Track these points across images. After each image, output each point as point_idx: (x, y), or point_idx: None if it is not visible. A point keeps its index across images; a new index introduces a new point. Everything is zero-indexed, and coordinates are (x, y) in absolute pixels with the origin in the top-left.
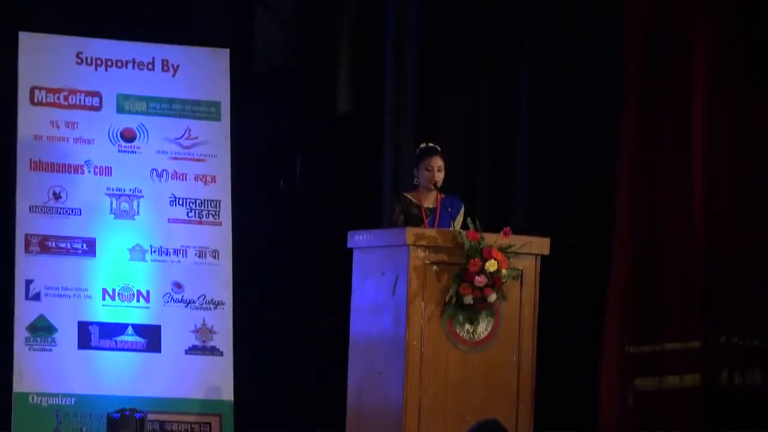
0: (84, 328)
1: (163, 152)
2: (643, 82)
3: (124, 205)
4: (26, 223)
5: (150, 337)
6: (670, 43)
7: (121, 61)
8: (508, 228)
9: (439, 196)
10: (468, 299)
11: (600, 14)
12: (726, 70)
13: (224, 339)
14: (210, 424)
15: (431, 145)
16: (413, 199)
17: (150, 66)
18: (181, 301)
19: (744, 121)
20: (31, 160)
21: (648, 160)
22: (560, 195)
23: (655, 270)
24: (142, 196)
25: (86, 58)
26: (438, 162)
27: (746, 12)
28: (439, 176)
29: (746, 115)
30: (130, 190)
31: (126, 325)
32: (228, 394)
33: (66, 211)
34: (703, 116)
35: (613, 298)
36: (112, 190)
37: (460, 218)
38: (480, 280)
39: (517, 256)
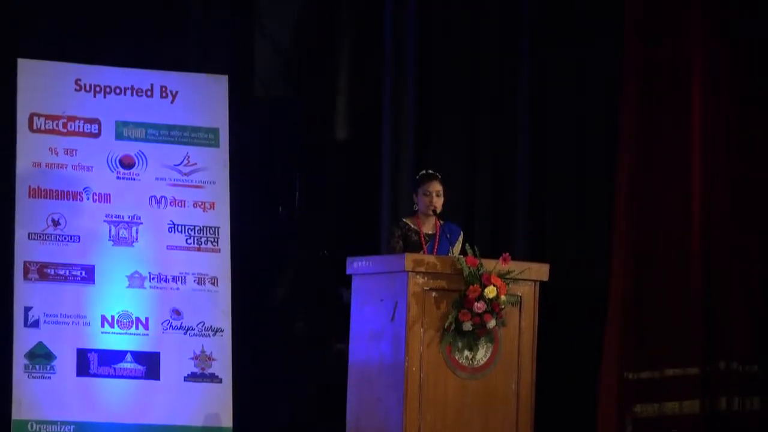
0: (83, 355)
1: (161, 179)
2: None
3: (123, 232)
4: (25, 250)
5: (149, 364)
6: (669, 42)
7: (120, 88)
8: (507, 254)
9: (438, 223)
10: (467, 325)
11: (600, 14)
12: (725, 72)
13: (223, 366)
14: None
15: (430, 171)
16: (412, 225)
17: (148, 92)
18: (180, 328)
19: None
20: (30, 187)
21: (646, 183)
22: (559, 221)
23: (654, 296)
24: (141, 223)
25: (85, 85)
26: (437, 187)
27: (744, 11)
28: (438, 201)
29: (744, 130)
30: (129, 217)
31: (125, 352)
32: (227, 422)
33: (65, 238)
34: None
35: (612, 325)
36: (111, 216)
37: (458, 245)
38: (479, 307)
39: (516, 283)
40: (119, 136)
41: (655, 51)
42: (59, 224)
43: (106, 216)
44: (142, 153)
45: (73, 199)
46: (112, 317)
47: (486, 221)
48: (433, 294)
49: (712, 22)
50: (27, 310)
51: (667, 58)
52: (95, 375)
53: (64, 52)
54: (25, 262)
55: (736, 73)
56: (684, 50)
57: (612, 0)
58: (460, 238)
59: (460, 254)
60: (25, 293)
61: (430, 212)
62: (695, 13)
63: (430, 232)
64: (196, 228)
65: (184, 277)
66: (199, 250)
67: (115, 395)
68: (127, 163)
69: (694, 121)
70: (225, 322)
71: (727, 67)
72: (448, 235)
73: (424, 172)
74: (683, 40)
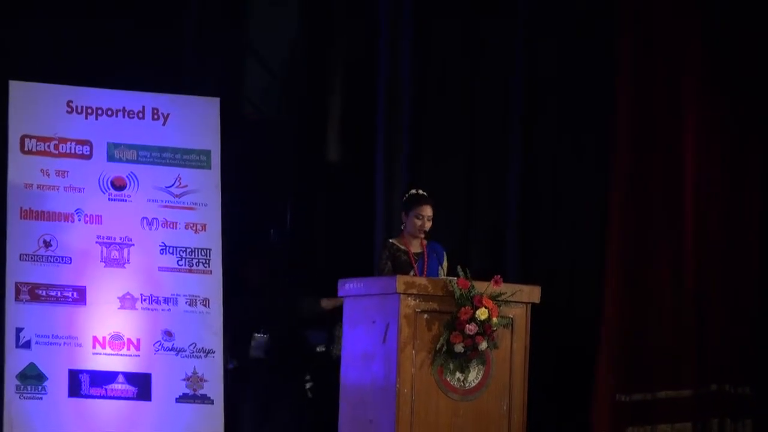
0: (74, 376)
1: (153, 200)
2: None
3: (115, 254)
4: (16, 272)
5: (140, 385)
6: (662, 59)
7: (112, 110)
8: (499, 276)
9: (424, 242)
10: (459, 347)
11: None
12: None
13: (215, 387)
14: None
15: (421, 192)
16: (400, 245)
17: (140, 114)
18: (172, 349)
19: (734, 153)
20: (21, 208)
21: (638, 207)
22: (552, 244)
23: (646, 319)
24: (133, 245)
25: (77, 107)
26: (429, 211)
27: (735, 17)
28: (428, 225)
29: (736, 142)
30: (121, 239)
31: (117, 373)
32: None
33: (56, 260)
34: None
35: (604, 347)
36: (103, 238)
37: (445, 263)
38: (471, 329)
39: (508, 305)
40: (111, 158)
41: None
42: (51, 245)
43: (98, 237)
44: (134, 174)
45: (64, 221)
46: (104, 338)
47: (478, 243)
48: (425, 316)
49: (703, 31)
50: (18, 331)
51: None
52: (87, 396)
53: (56, 74)
54: (16, 283)
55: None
56: (676, 65)
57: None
58: (445, 257)
59: (446, 273)
60: (17, 314)
61: (420, 235)
62: (688, 22)
63: (418, 251)
64: (188, 250)
65: (176, 298)
66: (190, 271)
67: (106, 416)
68: (118, 185)
69: (686, 145)
70: (216, 343)
71: (719, 66)
72: (436, 254)
73: (415, 192)
74: (676, 50)
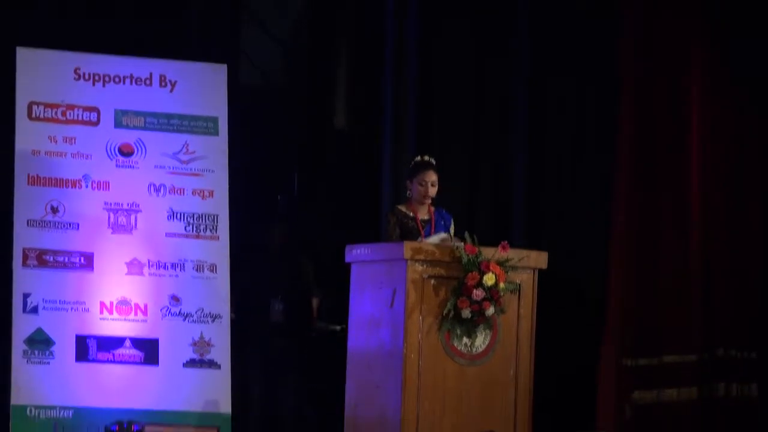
0: (82, 341)
1: (160, 167)
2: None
3: (122, 220)
4: (24, 237)
5: (148, 350)
6: (666, 49)
7: (119, 77)
8: (506, 242)
9: (432, 208)
10: (466, 313)
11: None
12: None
13: (222, 352)
14: None
15: (426, 159)
16: (407, 212)
17: (147, 81)
18: (179, 314)
19: (741, 130)
20: (29, 174)
21: (645, 171)
22: (558, 210)
23: (652, 284)
24: (140, 211)
25: (84, 74)
26: (432, 177)
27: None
28: (433, 191)
29: (743, 124)
30: (128, 205)
31: (124, 339)
32: (226, 407)
33: (64, 226)
34: (698, 127)
35: (610, 312)
36: (110, 204)
37: (452, 229)
38: (478, 294)
39: (515, 270)
40: (118, 125)
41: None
42: (58, 211)
43: (105, 203)
44: (141, 141)
45: (72, 187)
46: (111, 303)
47: (485, 209)
48: (432, 281)
49: (706, 25)
50: (26, 296)
51: (663, 66)
52: (94, 360)
53: (64, 40)
54: (24, 249)
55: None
56: (681, 58)
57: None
58: (452, 223)
59: (452, 238)
60: (24, 280)
61: (425, 201)
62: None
63: (426, 218)
64: (195, 216)
65: (183, 264)
66: (197, 237)
67: (113, 381)
68: (126, 151)
69: (690, 137)
70: (224, 308)
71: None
72: (443, 220)
73: (419, 159)
74: (679, 46)
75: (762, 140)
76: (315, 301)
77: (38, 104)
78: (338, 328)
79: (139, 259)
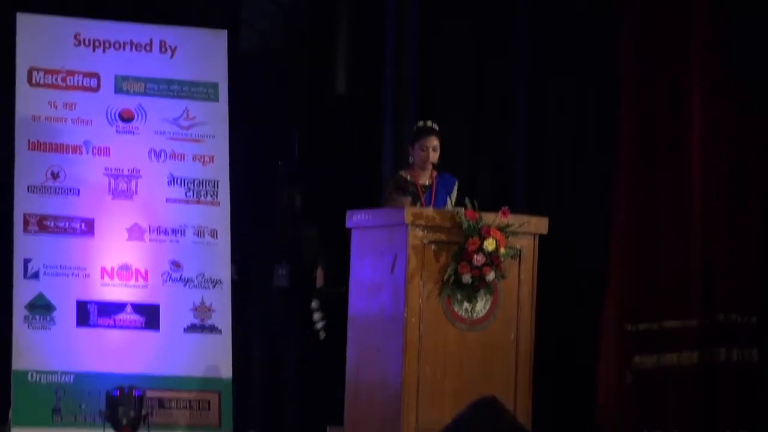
0: (83, 306)
1: (161, 133)
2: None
3: (123, 185)
4: (25, 203)
5: (149, 315)
6: (668, 36)
7: (119, 43)
8: (507, 207)
9: (434, 174)
10: (466, 278)
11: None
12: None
13: (223, 317)
14: (209, 401)
15: (428, 124)
16: (408, 177)
17: (148, 47)
18: (180, 279)
19: (741, 129)
20: (29, 140)
21: (645, 137)
22: (558, 174)
23: (653, 248)
24: (141, 176)
25: (84, 40)
26: (433, 142)
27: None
28: (434, 156)
29: (743, 124)
30: (128, 170)
31: (125, 304)
32: (227, 372)
33: (64, 191)
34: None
35: (611, 277)
36: (111, 170)
37: (455, 194)
38: (478, 259)
39: (516, 236)
40: (118, 90)
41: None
42: (59, 177)
43: (106, 169)
44: (142, 107)
45: (72, 153)
46: (112, 269)
47: (486, 174)
48: (433, 247)
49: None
50: (27, 261)
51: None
52: (95, 326)
53: (64, 6)
54: (24, 215)
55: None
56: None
57: None
58: (456, 187)
59: (455, 204)
60: (25, 245)
61: (427, 166)
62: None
63: (427, 183)
64: (196, 181)
65: (184, 229)
66: (198, 203)
67: (114, 346)
68: (126, 117)
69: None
70: (224, 273)
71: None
72: (445, 186)
73: (421, 124)
74: (681, 36)
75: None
76: (320, 272)
77: (38, 70)
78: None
79: (139, 224)
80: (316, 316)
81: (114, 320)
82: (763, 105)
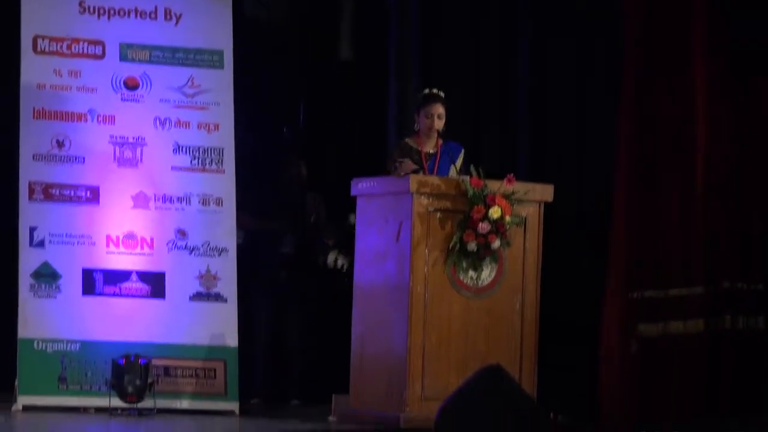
0: (88, 274)
1: (166, 100)
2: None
3: (128, 153)
4: (30, 171)
5: (154, 283)
6: None
7: (124, 10)
8: (512, 175)
9: (440, 142)
10: (472, 246)
11: None
12: None
13: (228, 286)
14: (215, 369)
15: (434, 91)
16: (413, 145)
17: (152, 15)
18: (185, 248)
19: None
20: (34, 108)
21: (648, 110)
22: (562, 142)
23: (658, 216)
24: (146, 144)
25: (89, 7)
26: (439, 110)
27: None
28: (439, 123)
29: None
30: (134, 138)
31: (130, 272)
32: (232, 341)
33: (69, 159)
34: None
35: (615, 244)
36: (116, 138)
37: (460, 161)
38: (483, 227)
39: (521, 203)
40: (123, 58)
41: None
42: (64, 145)
43: (111, 137)
44: (147, 75)
45: (77, 121)
46: (117, 237)
47: (491, 142)
48: (438, 215)
49: None
50: (32, 230)
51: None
52: (101, 294)
53: None
54: (30, 183)
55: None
56: None
57: None
58: (462, 155)
59: (461, 172)
60: (31, 213)
61: (432, 134)
62: None
63: (432, 151)
64: (201, 149)
65: (189, 197)
66: (203, 171)
67: (120, 314)
68: (131, 85)
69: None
70: (230, 242)
71: None
72: (451, 153)
73: (427, 92)
74: None
75: None
76: (330, 242)
77: (43, 38)
78: (343, 264)
79: (145, 192)
80: (331, 257)
81: (120, 288)
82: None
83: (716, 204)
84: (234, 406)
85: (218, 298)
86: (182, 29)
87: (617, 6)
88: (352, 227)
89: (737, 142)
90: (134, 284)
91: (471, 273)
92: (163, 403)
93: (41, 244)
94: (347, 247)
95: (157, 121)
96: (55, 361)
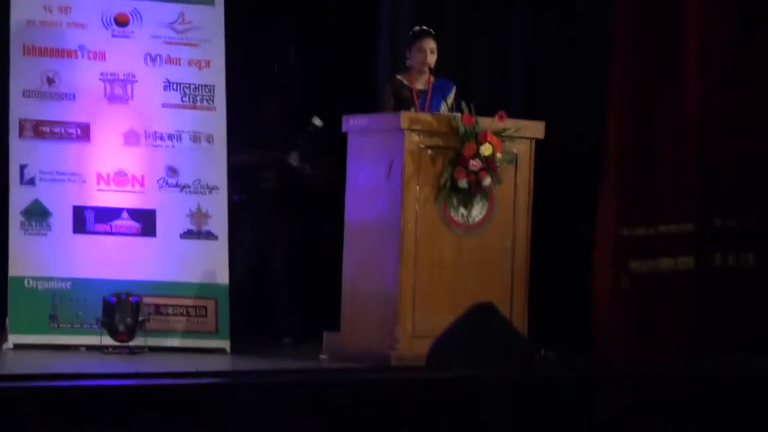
0: (79, 212)
1: (156, 37)
2: None
3: (118, 90)
4: (20, 108)
5: (145, 221)
6: None
7: None
8: (503, 112)
9: (431, 79)
10: (463, 183)
11: None
12: None
13: (219, 223)
14: (206, 307)
15: (425, 27)
16: (405, 81)
17: None
18: (176, 185)
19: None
20: (24, 45)
21: (641, 42)
22: (555, 78)
23: (648, 152)
24: (136, 81)
25: None
26: (431, 44)
27: None
28: (432, 58)
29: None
30: (124, 75)
31: (121, 210)
32: (223, 278)
33: (60, 96)
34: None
35: (606, 181)
36: (106, 74)
37: (451, 98)
38: (475, 164)
39: (512, 140)
40: None
41: None
42: (54, 82)
43: (101, 74)
44: (137, 11)
45: (67, 57)
46: (108, 175)
47: (482, 79)
48: (429, 152)
49: None
50: (22, 167)
51: None
52: (92, 232)
53: None
54: (20, 120)
55: None
56: None
57: None
58: (453, 92)
59: (452, 109)
60: (21, 151)
61: (424, 69)
62: None
63: (423, 88)
64: (192, 86)
65: (180, 135)
66: (194, 108)
67: (111, 252)
68: (121, 21)
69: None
70: (220, 179)
71: None
72: (443, 90)
73: (418, 28)
74: None
75: None
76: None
77: None
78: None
79: (135, 129)
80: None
81: (110, 226)
82: None
83: (709, 141)
84: (225, 344)
85: (209, 235)
86: None
87: None
88: (316, 129)
89: (731, 75)
90: (125, 222)
91: (462, 210)
92: (154, 341)
93: (32, 181)
94: (309, 149)
95: (148, 58)
96: (46, 300)
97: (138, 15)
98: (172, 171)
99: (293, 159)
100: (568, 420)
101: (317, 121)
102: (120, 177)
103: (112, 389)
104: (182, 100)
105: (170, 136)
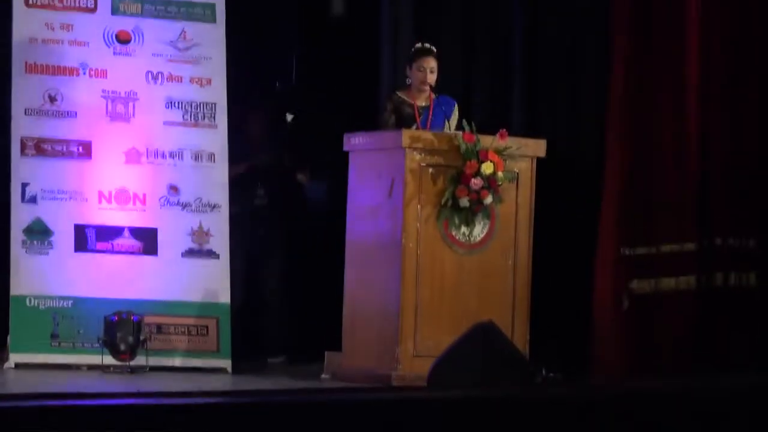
0: (80, 231)
1: (158, 54)
2: None
3: (120, 108)
4: (22, 126)
5: (146, 240)
6: None
7: None
8: (504, 130)
9: (432, 96)
10: (464, 201)
11: None
12: None
13: (220, 242)
14: (207, 326)
15: (426, 45)
16: (406, 99)
17: None
18: (177, 204)
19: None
20: (26, 62)
21: (641, 59)
22: (555, 96)
23: (650, 172)
24: (138, 99)
25: None
26: (431, 63)
27: None
28: (431, 77)
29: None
30: (126, 93)
31: (122, 228)
32: (225, 297)
33: (61, 114)
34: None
35: (608, 200)
36: (108, 92)
37: (454, 117)
38: (476, 183)
39: (514, 159)
40: (115, 11)
41: None
42: (56, 100)
43: (103, 92)
44: (139, 28)
45: (69, 75)
46: (110, 193)
47: (483, 97)
48: (430, 170)
49: None
50: (24, 185)
51: None
52: (93, 250)
53: None
54: (22, 138)
55: None
56: None
57: None
58: (456, 110)
59: (455, 127)
60: (23, 169)
61: (424, 88)
62: None
63: (424, 105)
64: (193, 104)
65: (181, 153)
66: (196, 126)
67: (112, 271)
68: (123, 39)
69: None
70: (222, 198)
71: None
72: (443, 108)
73: (419, 45)
74: None
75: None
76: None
77: None
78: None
79: (137, 148)
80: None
81: (112, 245)
82: None
83: (709, 160)
84: (226, 363)
85: (210, 254)
86: None
87: None
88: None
89: (731, 83)
90: (126, 240)
91: (463, 229)
92: (155, 360)
93: (33, 200)
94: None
95: (149, 76)
96: (48, 318)
97: (140, 33)
98: (174, 189)
99: (301, 177)
100: None
101: (288, 117)
102: (121, 195)
103: (114, 409)
104: (184, 118)
105: (172, 154)
